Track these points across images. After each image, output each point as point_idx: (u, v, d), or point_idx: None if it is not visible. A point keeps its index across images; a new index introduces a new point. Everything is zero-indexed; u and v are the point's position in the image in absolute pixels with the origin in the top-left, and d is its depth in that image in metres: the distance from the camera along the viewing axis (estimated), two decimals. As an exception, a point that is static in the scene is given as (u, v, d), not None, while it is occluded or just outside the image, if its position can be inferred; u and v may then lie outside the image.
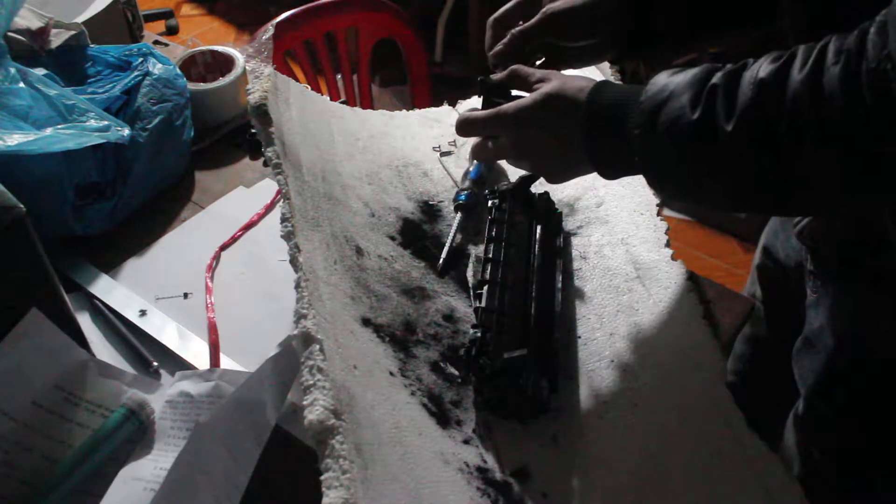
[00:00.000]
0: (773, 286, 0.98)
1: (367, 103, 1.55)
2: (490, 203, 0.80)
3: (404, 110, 0.99)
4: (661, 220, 0.80)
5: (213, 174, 1.00)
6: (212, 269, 0.85)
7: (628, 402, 0.66)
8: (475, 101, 0.88)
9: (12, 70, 0.78)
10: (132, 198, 0.90)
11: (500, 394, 0.65)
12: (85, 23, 0.98)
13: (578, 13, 0.74)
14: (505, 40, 0.75)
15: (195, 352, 0.76)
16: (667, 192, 0.62)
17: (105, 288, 0.82)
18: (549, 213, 0.83)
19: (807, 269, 0.82)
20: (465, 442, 0.62)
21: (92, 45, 0.96)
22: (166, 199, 0.95)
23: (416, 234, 0.81)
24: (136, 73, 0.90)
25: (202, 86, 1.03)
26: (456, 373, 0.68)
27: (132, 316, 0.79)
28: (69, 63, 0.93)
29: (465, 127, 0.71)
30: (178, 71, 0.95)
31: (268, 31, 0.77)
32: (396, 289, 0.72)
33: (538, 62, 0.77)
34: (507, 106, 0.67)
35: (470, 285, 0.76)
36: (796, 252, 0.88)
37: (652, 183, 0.62)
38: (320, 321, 0.55)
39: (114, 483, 0.62)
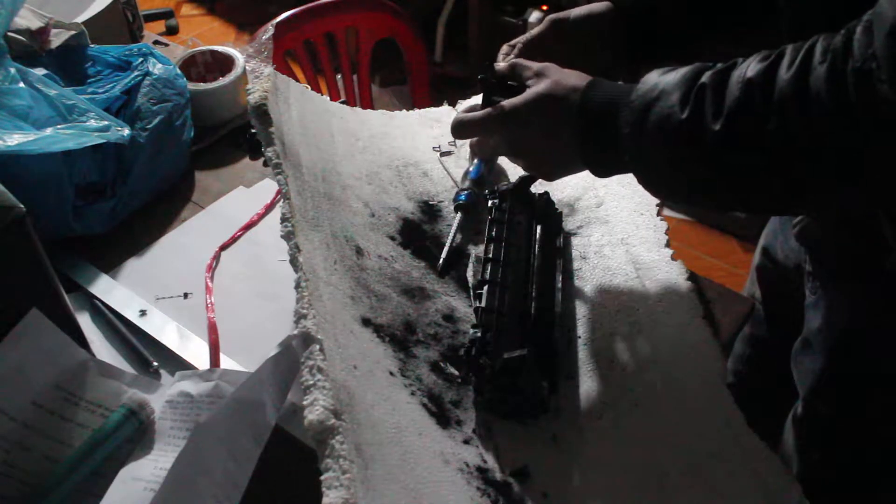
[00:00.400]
0: (773, 287, 0.98)
1: (367, 103, 1.55)
2: (490, 203, 0.80)
3: (404, 110, 0.99)
4: (661, 220, 0.80)
5: (213, 174, 1.00)
6: (212, 269, 0.85)
7: (628, 402, 0.66)
8: (475, 101, 0.88)
9: (12, 70, 0.78)
10: (132, 198, 0.90)
11: (500, 394, 0.65)
12: (85, 23, 0.98)
13: (580, 23, 0.75)
14: (515, 49, 0.76)
15: (195, 352, 0.76)
16: (657, 191, 0.63)
17: (105, 288, 0.82)
18: (549, 213, 0.83)
19: (806, 270, 0.82)
20: (465, 442, 0.62)
21: (92, 45, 0.96)
22: (166, 199, 0.95)
23: (416, 234, 0.81)
24: (136, 73, 0.90)
25: (202, 86, 1.02)
26: (456, 373, 0.68)
27: (132, 316, 0.79)
28: (69, 63, 0.93)
29: (460, 129, 0.72)
30: (178, 71, 0.95)
31: (268, 31, 0.77)
32: (396, 289, 0.72)
33: None
34: (500, 106, 0.67)
35: (470, 285, 0.76)
36: (795, 253, 0.88)
37: (642, 181, 0.62)
38: (320, 321, 0.55)
39: (114, 483, 0.62)
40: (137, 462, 0.64)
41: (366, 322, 0.65)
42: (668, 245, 0.78)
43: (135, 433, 0.66)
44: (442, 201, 0.86)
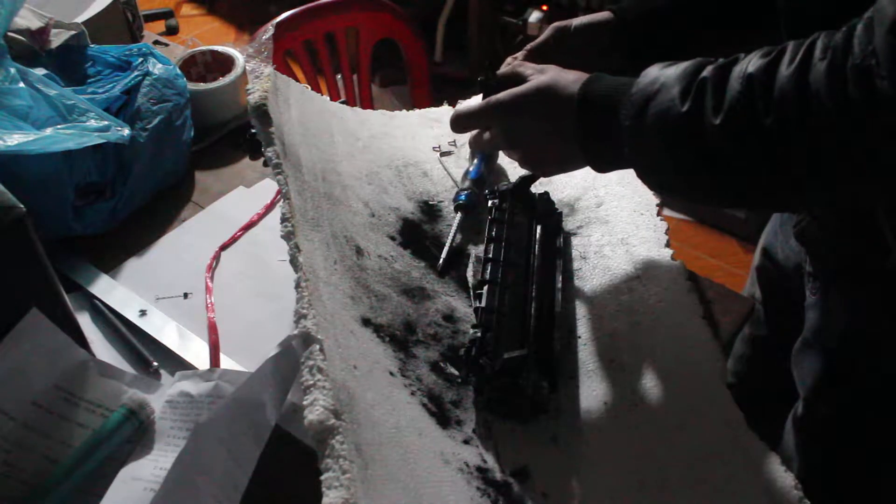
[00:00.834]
0: (773, 287, 0.98)
1: (367, 103, 1.55)
2: (490, 203, 0.80)
3: (404, 110, 0.99)
4: (661, 220, 0.80)
5: (213, 174, 1.00)
6: (212, 269, 0.85)
7: (628, 402, 0.66)
8: (475, 102, 0.88)
9: (12, 70, 0.78)
10: (132, 198, 0.90)
11: (500, 394, 0.65)
12: (85, 23, 0.98)
13: (581, 31, 0.75)
14: (520, 55, 0.76)
15: (195, 352, 0.76)
16: (655, 185, 0.63)
17: (105, 288, 0.82)
18: (549, 213, 0.83)
19: (806, 271, 0.82)
20: (465, 442, 0.62)
21: (92, 45, 0.96)
22: (166, 199, 0.95)
23: (416, 234, 0.81)
24: (136, 73, 0.90)
25: (202, 86, 1.02)
26: (456, 373, 0.68)
27: (132, 316, 0.79)
28: (69, 63, 0.93)
29: (459, 121, 0.72)
30: (178, 71, 0.95)
31: (268, 31, 0.77)
32: (396, 289, 0.72)
33: None
34: (499, 95, 0.67)
35: (470, 285, 0.76)
36: (795, 253, 0.88)
37: (641, 175, 0.62)
38: (320, 321, 0.55)
39: (114, 483, 0.62)
40: (137, 462, 0.64)
41: (366, 322, 0.65)
42: (668, 245, 0.78)
43: (135, 433, 0.66)
44: (442, 201, 0.86)
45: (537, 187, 0.84)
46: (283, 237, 0.61)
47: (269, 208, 0.94)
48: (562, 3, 2.26)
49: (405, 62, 1.54)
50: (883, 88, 0.45)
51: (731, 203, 0.60)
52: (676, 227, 2.09)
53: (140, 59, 0.92)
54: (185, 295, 0.82)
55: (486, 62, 0.72)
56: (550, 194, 0.84)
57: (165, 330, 0.78)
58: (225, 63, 1.07)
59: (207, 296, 0.82)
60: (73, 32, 0.94)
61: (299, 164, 0.70)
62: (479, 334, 0.66)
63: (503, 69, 0.73)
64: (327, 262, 0.65)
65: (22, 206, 0.60)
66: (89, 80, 0.92)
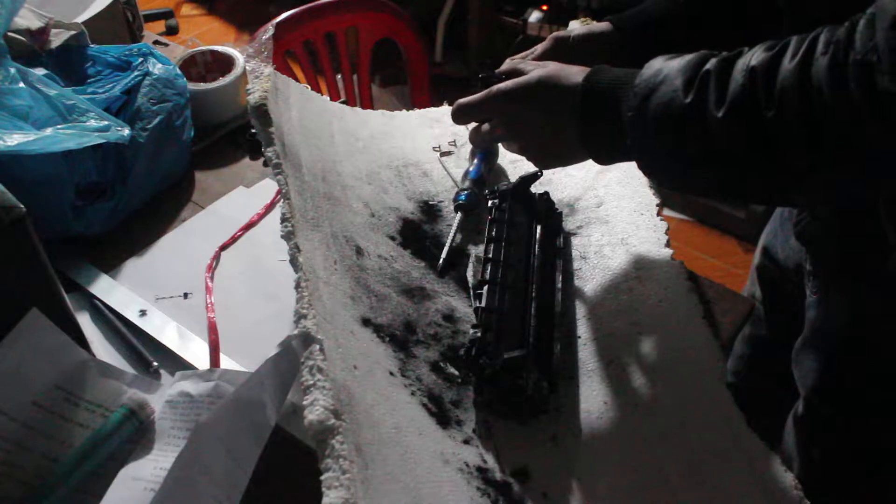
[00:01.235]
0: (773, 287, 0.98)
1: (367, 103, 1.55)
2: (490, 203, 0.80)
3: (404, 110, 0.99)
4: (661, 220, 0.80)
5: (213, 174, 1.00)
6: (212, 269, 0.85)
7: (628, 402, 0.66)
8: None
9: (12, 70, 0.78)
10: (132, 198, 0.90)
11: (500, 394, 0.65)
12: (85, 23, 0.98)
13: (581, 42, 0.75)
14: (518, 58, 0.76)
15: (195, 352, 0.76)
16: (657, 178, 0.63)
17: (105, 288, 0.82)
18: (549, 213, 0.83)
19: (806, 270, 0.82)
20: (465, 442, 0.62)
21: (92, 45, 0.96)
22: (166, 199, 0.95)
23: (416, 234, 0.81)
24: (136, 73, 0.90)
25: (202, 86, 1.03)
26: (456, 373, 0.68)
27: (132, 316, 0.79)
28: (69, 63, 0.93)
29: (461, 112, 0.71)
30: (178, 71, 0.95)
31: (268, 31, 0.77)
32: (396, 289, 0.72)
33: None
34: (503, 84, 0.67)
35: (470, 285, 0.76)
36: (796, 253, 0.88)
37: (643, 167, 0.62)
38: (320, 321, 0.55)
39: (114, 483, 0.62)
40: (137, 462, 0.64)
41: (366, 322, 0.65)
42: (668, 245, 0.78)
43: (135, 433, 0.66)
44: (442, 201, 0.86)
45: (537, 187, 0.84)
46: (283, 237, 0.61)
47: (269, 208, 0.94)
48: (562, 3, 2.26)
49: (405, 62, 1.54)
50: (883, 84, 0.45)
51: (731, 196, 0.60)
52: (676, 227, 2.09)
53: (140, 59, 0.92)
54: (185, 295, 0.82)
55: (487, 60, 0.72)
56: (550, 194, 0.84)
57: (165, 330, 0.78)
58: (225, 63, 1.07)
59: (207, 296, 0.82)
60: (73, 32, 0.94)
61: (299, 164, 0.70)
62: (479, 334, 0.66)
63: (503, 67, 0.73)
64: (327, 262, 0.65)
65: (22, 206, 0.60)
66: (89, 80, 0.92)
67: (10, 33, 0.87)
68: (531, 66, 0.67)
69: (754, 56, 0.52)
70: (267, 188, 0.97)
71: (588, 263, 0.80)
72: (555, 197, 0.86)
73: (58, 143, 0.75)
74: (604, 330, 0.72)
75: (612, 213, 0.84)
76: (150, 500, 0.59)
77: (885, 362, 0.78)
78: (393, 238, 0.78)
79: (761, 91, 0.50)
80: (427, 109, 0.99)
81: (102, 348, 0.76)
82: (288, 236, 0.61)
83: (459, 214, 0.81)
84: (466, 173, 0.86)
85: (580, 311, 0.75)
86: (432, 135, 0.95)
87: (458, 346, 0.70)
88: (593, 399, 0.67)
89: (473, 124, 0.75)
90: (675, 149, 0.56)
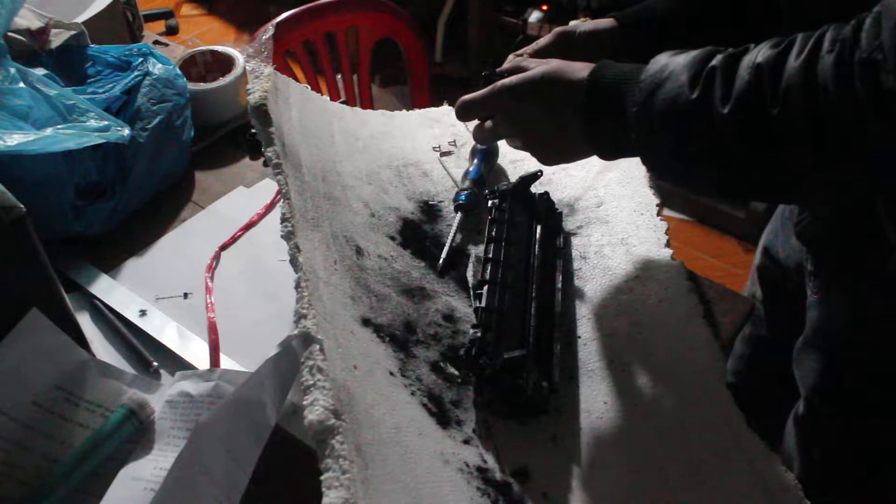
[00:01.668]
0: (774, 287, 0.98)
1: (367, 103, 1.55)
2: (490, 203, 0.80)
3: (404, 110, 0.99)
4: (661, 220, 0.80)
5: (213, 174, 1.00)
6: (212, 269, 0.85)
7: (628, 402, 0.66)
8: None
9: (12, 70, 0.78)
10: (132, 198, 0.90)
11: (500, 394, 0.65)
12: (85, 23, 0.98)
13: (585, 38, 0.75)
14: (522, 52, 0.75)
15: (195, 352, 0.76)
16: (661, 174, 0.62)
17: (105, 288, 0.82)
18: (549, 213, 0.83)
19: (807, 270, 0.82)
20: (465, 442, 0.62)
21: (92, 45, 0.96)
22: (166, 199, 0.95)
23: (416, 234, 0.81)
24: (136, 73, 0.90)
25: (202, 86, 1.03)
26: (456, 373, 0.68)
27: (132, 316, 0.79)
28: (69, 63, 0.93)
29: (465, 108, 0.71)
30: (178, 71, 0.95)
31: (268, 31, 0.77)
32: (396, 289, 0.72)
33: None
34: (507, 79, 0.67)
35: (470, 285, 0.76)
36: (797, 253, 0.88)
37: (647, 163, 0.61)
38: (320, 321, 0.55)
39: (114, 483, 0.62)
40: (137, 462, 0.64)
41: (366, 322, 0.65)
42: (668, 245, 0.78)
43: (135, 433, 0.66)
44: (442, 201, 0.86)
45: (537, 187, 0.84)
46: (283, 237, 0.61)
47: (269, 208, 0.94)
48: (562, 3, 2.26)
49: (405, 62, 1.54)
50: (888, 83, 0.45)
51: (734, 193, 0.60)
52: (676, 227, 2.09)
53: (140, 59, 0.92)
54: (185, 295, 0.82)
55: (489, 59, 0.72)
56: (550, 194, 0.84)
57: (165, 330, 0.78)
58: (225, 63, 1.07)
59: (207, 296, 0.82)
60: (73, 32, 0.94)
61: (299, 164, 0.70)
62: (479, 334, 0.66)
63: (505, 65, 0.73)
64: (327, 262, 0.65)
65: (22, 206, 0.60)
66: (89, 80, 0.92)
67: (10, 33, 0.87)
68: (534, 63, 0.67)
69: (760, 53, 0.52)
70: (267, 188, 0.97)
71: (588, 263, 0.80)
72: (555, 197, 0.86)
73: (58, 143, 0.75)
74: (604, 330, 0.72)
75: (612, 213, 0.84)
76: (150, 500, 0.59)
77: (886, 362, 0.78)
78: (393, 238, 0.78)
79: (767, 88, 0.50)
80: (427, 109, 0.99)
81: (102, 348, 0.76)
82: (288, 236, 0.61)
83: (459, 214, 0.81)
84: (466, 173, 0.86)
85: (580, 311, 0.75)
86: (432, 135, 0.95)
87: (458, 346, 0.70)
88: (593, 399, 0.67)
89: (476, 121, 0.75)
90: (679, 144, 0.56)
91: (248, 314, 0.80)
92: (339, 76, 1.54)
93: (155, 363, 0.74)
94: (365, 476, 0.48)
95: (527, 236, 0.79)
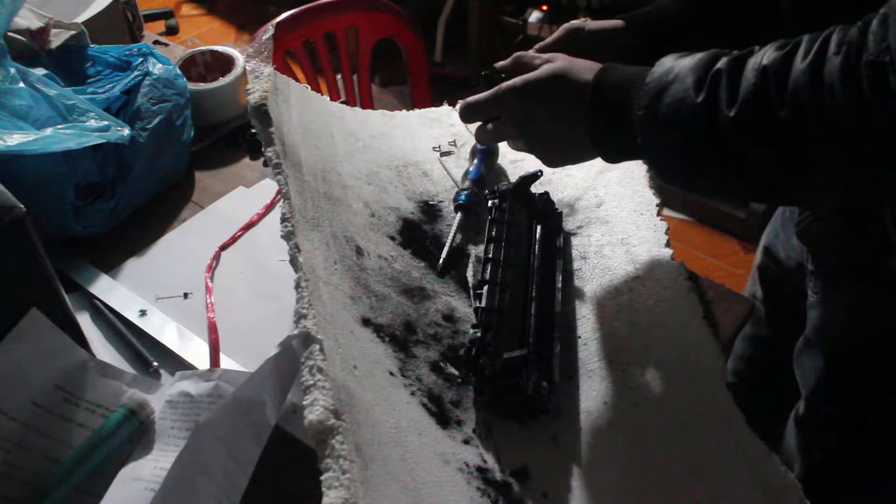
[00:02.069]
0: (774, 286, 0.98)
1: (367, 103, 1.55)
2: (490, 203, 0.80)
3: (404, 110, 0.99)
4: (661, 220, 0.80)
5: (213, 174, 1.00)
6: (212, 269, 0.85)
7: (628, 402, 0.66)
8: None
9: (12, 70, 0.78)
10: (132, 198, 0.90)
11: (500, 394, 0.65)
12: (85, 23, 0.98)
13: (594, 35, 0.74)
14: (529, 52, 0.75)
15: (195, 352, 0.76)
16: (666, 177, 0.62)
17: (105, 288, 0.82)
18: (549, 213, 0.83)
19: (808, 270, 0.82)
20: (465, 442, 0.62)
21: (92, 45, 0.96)
22: (166, 199, 0.95)
23: (416, 234, 0.81)
24: (136, 73, 0.90)
25: (202, 86, 1.03)
26: (456, 373, 0.68)
27: (132, 316, 0.79)
28: (69, 63, 0.93)
29: (469, 110, 0.71)
30: (178, 71, 0.95)
31: (268, 31, 0.77)
32: (396, 289, 0.72)
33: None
34: (512, 81, 0.66)
35: (470, 285, 0.76)
36: (797, 253, 0.88)
37: (652, 165, 0.61)
38: (320, 321, 0.55)
39: (114, 483, 0.62)
40: (137, 462, 0.64)
41: (366, 322, 0.65)
42: (668, 245, 0.78)
43: (135, 433, 0.66)
44: (442, 201, 0.86)
45: (537, 187, 0.84)
46: (283, 237, 0.61)
47: (269, 208, 0.94)
48: (562, 3, 2.26)
49: (405, 62, 1.54)
50: None
51: (741, 195, 0.60)
52: (676, 227, 2.09)
53: (140, 59, 0.92)
54: (185, 295, 0.82)
55: (490, 60, 0.71)
56: (550, 194, 0.84)
57: (165, 330, 0.78)
58: (225, 63, 1.07)
59: (207, 296, 0.82)
60: (73, 32, 0.94)
61: (299, 164, 0.70)
62: (479, 334, 0.66)
63: (508, 61, 0.72)
64: (327, 262, 0.65)
65: (22, 206, 0.60)
66: (89, 80, 0.92)
67: (10, 33, 0.87)
68: (538, 60, 0.67)
69: (766, 55, 0.51)
70: (267, 188, 0.97)
71: (588, 263, 0.80)
72: (555, 197, 0.86)
73: (58, 143, 0.75)
74: (604, 330, 0.72)
75: (612, 213, 0.84)
76: (150, 500, 0.59)
77: (886, 363, 0.78)
78: (393, 238, 0.78)
79: (773, 90, 0.50)
80: (427, 109, 0.99)
81: (102, 348, 0.76)
82: (288, 236, 0.61)
83: (459, 214, 0.81)
84: (466, 173, 0.86)
85: (580, 311, 0.75)
86: (432, 135, 0.95)
87: (458, 346, 0.70)
88: (593, 399, 0.67)
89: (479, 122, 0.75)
90: (685, 147, 0.56)
91: (248, 314, 0.80)
92: (339, 76, 1.54)
93: (155, 363, 0.74)
94: (365, 476, 0.48)
95: (527, 236, 0.79)
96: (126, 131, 0.83)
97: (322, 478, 0.46)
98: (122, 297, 0.81)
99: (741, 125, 0.51)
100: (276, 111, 0.70)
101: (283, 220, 0.62)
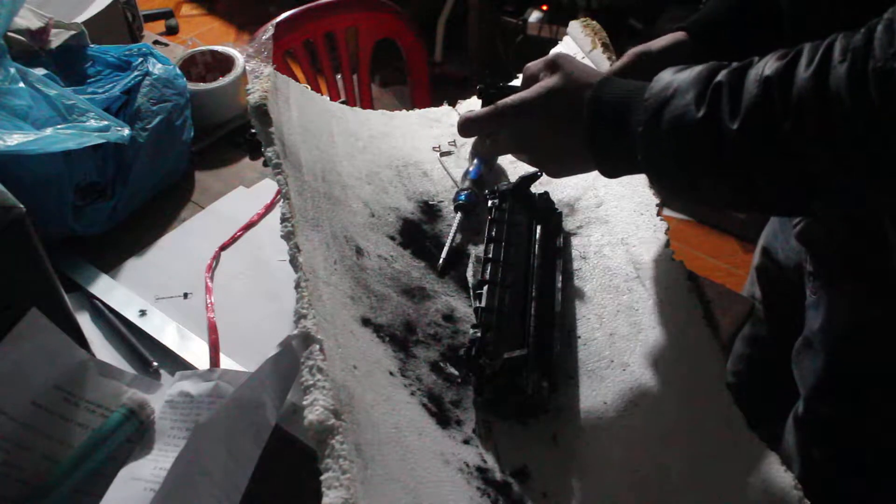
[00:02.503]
0: (773, 287, 0.98)
1: (367, 103, 1.55)
2: (490, 203, 0.80)
3: (404, 110, 0.99)
4: (661, 220, 0.80)
5: (213, 174, 1.00)
6: (212, 269, 0.85)
7: (628, 402, 0.66)
8: (475, 102, 0.88)
9: (12, 70, 0.78)
10: (132, 198, 0.90)
11: (500, 394, 0.65)
12: (85, 23, 0.98)
13: (664, 53, 0.73)
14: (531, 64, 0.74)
15: (195, 352, 0.76)
16: (669, 191, 0.62)
17: (105, 288, 0.82)
18: (549, 213, 0.83)
19: (806, 270, 0.82)
20: (465, 442, 0.62)
21: (92, 45, 0.96)
22: (166, 199, 0.95)
23: (416, 234, 0.81)
24: (136, 73, 0.90)
25: (202, 86, 1.03)
26: (456, 373, 0.68)
27: (132, 316, 0.79)
28: (69, 63, 0.93)
29: (467, 126, 0.71)
30: (178, 71, 0.95)
31: (268, 31, 0.77)
32: (396, 289, 0.72)
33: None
34: (509, 99, 0.66)
35: (470, 285, 0.76)
36: (796, 253, 0.88)
37: (654, 181, 0.61)
38: (320, 321, 0.55)
39: (114, 483, 0.62)
40: (137, 462, 0.64)
41: (366, 322, 0.65)
42: (668, 245, 0.78)
43: (135, 433, 0.66)
44: (442, 201, 0.86)
45: (537, 187, 0.84)
46: (283, 237, 0.61)
47: (269, 208, 0.94)
48: (562, 3, 2.26)
49: (405, 62, 1.54)
50: None
51: (746, 207, 0.59)
52: (676, 227, 2.09)
53: (140, 59, 0.92)
54: (185, 295, 0.82)
55: (485, 70, 0.71)
56: (550, 194, 0.84)
57: (165, 330, 0.78)
58: (225, 63, 1.07)
59: (207, 296, 0.82)
60: (73, 32, 0.94)
61: (299, 164, 0.70)
62: (479, 334, 0.66)
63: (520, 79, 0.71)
64: (327, 262, 0.65)
65: (22, 206, 0.60)
66: (89, 80, 0.92)
67: (10, 33, 0.87)
68: (540, 66, 0.66)
69: (767, 66, 0.51)
70: (267, 188, 0.97)
71: (588, 263, 0.80)
72: (555, 197, 0.86)
73: (58, 143, 0.75)
74: (604, 330, 0.72)
75: (612, 213, 0.84)
76: (150, 500, 0.59)
77: (886, 363, 0.78)
78: (393, 238, 0.78)
79: (777, 101, 0.49)
80: (427, 109, 0.99)
81: (102, 348, 0.76)
82: (288, 236, 0.61)
83: (459, 214, 0.81)
84: (466, 173, 0.86)
85: (580, 311, 0.75)
86: (432, 135, 0.95)
87: (458, 346, 0.70)
88: (593, 399, 0.67)
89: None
90: (688, 162, 0.55)
91: (248, 314, 0.80)
92: (339, 76, 1.54)
93: (155, 363, 0.74)
94: (365, 476, 0.48)
95: (527, 236, 0.79)
96: (126, 131, 0.83)
97: (322, 478, 0.46)
98: (122, 297, 0.81)
99: (746, 137, 0.51)
100: (276, 111, 0.70)
101: (283, 220, 0.62)
